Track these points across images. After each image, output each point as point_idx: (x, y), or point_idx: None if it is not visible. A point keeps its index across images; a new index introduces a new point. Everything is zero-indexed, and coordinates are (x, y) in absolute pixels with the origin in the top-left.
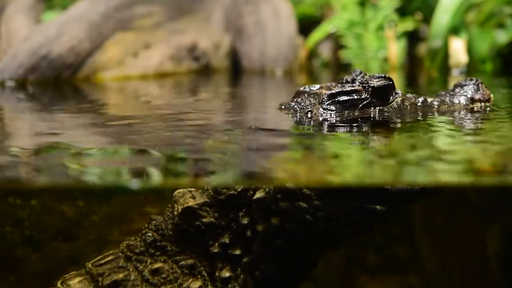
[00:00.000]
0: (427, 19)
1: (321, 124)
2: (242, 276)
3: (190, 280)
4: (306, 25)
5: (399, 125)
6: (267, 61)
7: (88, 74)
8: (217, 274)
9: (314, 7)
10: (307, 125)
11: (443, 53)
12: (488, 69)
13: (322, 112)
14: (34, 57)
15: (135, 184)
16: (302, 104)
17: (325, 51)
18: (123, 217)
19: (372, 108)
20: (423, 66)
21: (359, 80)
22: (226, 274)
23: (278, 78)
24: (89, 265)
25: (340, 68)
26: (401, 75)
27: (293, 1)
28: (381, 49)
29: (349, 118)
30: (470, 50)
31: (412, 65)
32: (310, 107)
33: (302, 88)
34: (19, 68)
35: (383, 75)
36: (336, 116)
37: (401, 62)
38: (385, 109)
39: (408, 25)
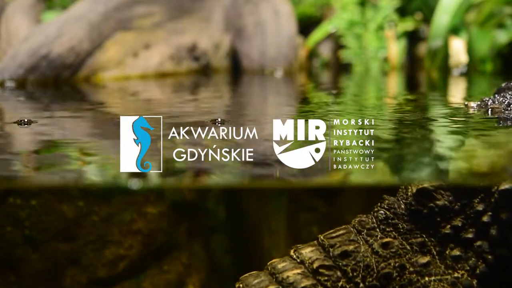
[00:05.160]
0: (427, 19)
1: None
2: (473, 259)
3: (418, 256)
4: (306, 25)
5: None
6: (267, 61)
7: (88, 74)
8: (447, 252)
9: (314, 7)
10: None
11: (443, 53)
12: (488, 69)
13: None
14: (34, 57)
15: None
16: None
17: (325, 51)
18: (123, 217)
19: None
20: (423, 66)
21: None
22: (457, 253)
23: (288, 79)
24: (321, 237)
25: (340, 68)
26: (401, 75)
27: (293, 1)
28: (381, 49)
29: None
30: (470, 50)
31: (412, 65)
32: None
33: (504, 85)
34: (19, 68)
35: None
36: None
37: (401, 62)
38: None
39: (408, 25)
